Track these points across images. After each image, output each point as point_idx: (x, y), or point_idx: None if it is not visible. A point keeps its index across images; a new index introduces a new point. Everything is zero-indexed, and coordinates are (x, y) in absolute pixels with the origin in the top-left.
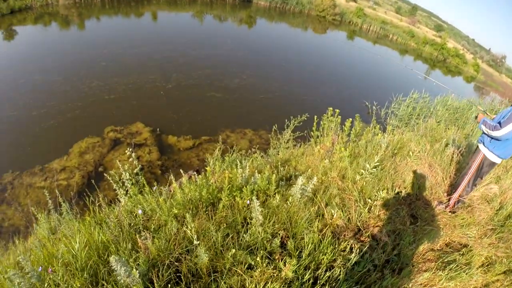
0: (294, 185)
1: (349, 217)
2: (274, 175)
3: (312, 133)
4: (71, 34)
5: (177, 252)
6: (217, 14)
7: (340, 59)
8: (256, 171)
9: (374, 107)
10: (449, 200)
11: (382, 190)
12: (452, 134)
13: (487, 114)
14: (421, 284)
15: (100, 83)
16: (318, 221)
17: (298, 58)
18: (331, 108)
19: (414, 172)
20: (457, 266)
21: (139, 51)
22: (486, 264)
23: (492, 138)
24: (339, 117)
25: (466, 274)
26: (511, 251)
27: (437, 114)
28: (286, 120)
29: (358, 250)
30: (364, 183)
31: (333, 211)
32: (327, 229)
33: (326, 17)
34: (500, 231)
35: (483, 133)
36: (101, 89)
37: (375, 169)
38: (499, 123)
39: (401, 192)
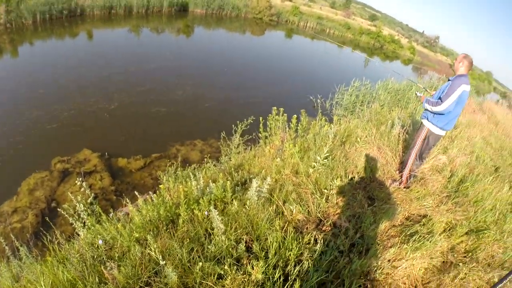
0: (250, 189)
1: (308, 210)
2: (228, 182)
3: (260, 134)
4: (4, 62)
5: (145, 276)
6: (154, 27)
7: (281, 58)
8: (210, 180)
9: (318, 100)
10: (401, 177)
11: (336, 179)
12: (396, 114)
13: (427, 92)
14: (389, 260)
15: (40, 113)
16: (279, 219)
17: (239, 62)
18: (275, 108)
19: (365, 156)
20: (420, 236)
21: (77, 74)
22: (448, 229)
23: (435, 113)
24: (285, 115)
25: (430, 242)
26: (468, 213)
27: (380, 99)
28: (234, 126)
29: (322, 240)
30: (318, 175)
31: (291, 207)
32: (288, 226)
33: (263, 19)
34: (455, 197)
35: (426, 109)
36: (42, 119)
37: (326, 160)
38: (440, 98)
39: (354, 177)
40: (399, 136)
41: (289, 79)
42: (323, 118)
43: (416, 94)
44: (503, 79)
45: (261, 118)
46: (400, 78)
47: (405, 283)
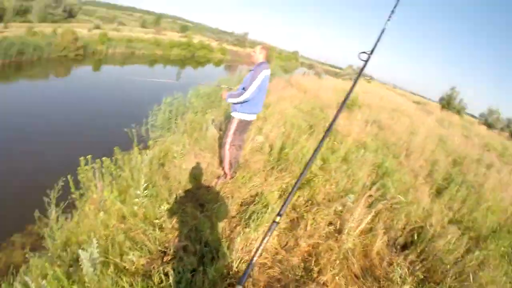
0: (82, 264)
1: (148, 249)
2: (57, 268)
3: (73, 195)
4: None
5: None
6: None
7: (90, 96)
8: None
9: (134, 130)
10: (224, 171)
11: (162, 204)
12: (210, 117)
13: (230, 89)
14: (241, 248)
15: None
16: (124, 276)
17: (40, 117)
18: (82, 158)
19: (185, 168)
20: (258, 213)
21: None
22: (282, 194)
23: (242, 103)
24: (97, 160)
25: (268, 214)
26: (294, 172)
27: (194, 106)
28: (45, 197)
29: (172, 272)
30: (144, 209)
31: (131, 257)
32: (136, 278)
33: (68, 55)
34: (279, 165)
35: (233, 103)
36: None
37: (147, 191)
38: (243, 88)
39: (179, 193)
40: (215, 136)
41: (99, 117)
42: (137, 147)
43: (221, 93)
44: (310, 54)
45: (69, 177)
46: (213, 80)
47: (266, 257)
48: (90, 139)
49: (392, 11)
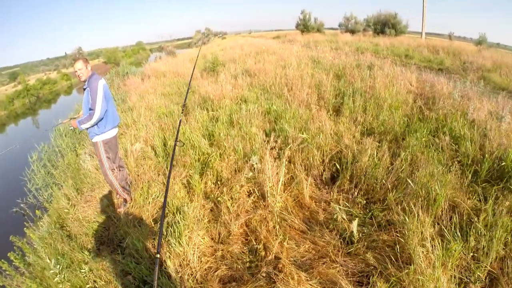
0: None
1: None
2: None
3: None
4: None
5: None
6: None
7: None
8: None
9: (22, 206)
10: (122, 198)
11: (81, 268)
12: (81, 152)
13: (75, 118)
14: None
15: None
16: None
17: None
18: None
19: (83, 218)
20: (173, 225)
21: None
22: (188, 190)
23: (98, 123)
24: None
25: (182, 220)
26: (186, 161)
27: (63, 148)
28: None
29: None
30: (69, 282)
31: None
32: None
33: None
34: (169, 161)
35: (88, 129)
36: None
37: (59, 265)
38: (90, 109)
39: (91, 247)
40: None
41: None
42: (28, 229)
43: (70, 128)
44: (154, 38)
45: None
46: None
47: (208, 260)
48: None
49: None
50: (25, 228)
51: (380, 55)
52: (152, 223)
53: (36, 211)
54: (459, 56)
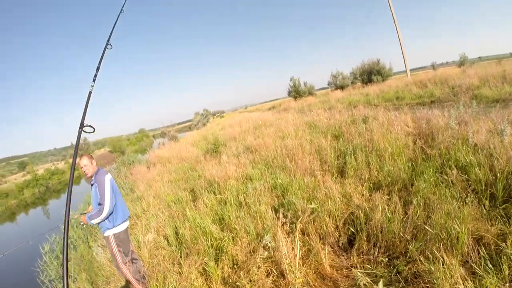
0: None
1: None
2: None
3: None
4: None
5: None
6: None
7: None
8: None
9: None
10: None
11: None
12: (94, 245)
13: (85, 213)
14: None
15: None
16: None
17: None
18: None
19: None
20: None
21: None
22: (206, 279)
23: (108, 217)
24: None
25: None
26: (200, 250)
27: (75, 239)
28: None
29: None
30: None
31: None
32: None
33: None
34: (183, 249)
35: (99, 223)
36: None
37: None
38: (99, 204)
39: None
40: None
41: None
42: None
43: (81, 224)
44: (156, 124)
45: None
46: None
47: None
48: None
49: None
50: None
51: (372, 104)
52: None
53: None
54: (447, 83)
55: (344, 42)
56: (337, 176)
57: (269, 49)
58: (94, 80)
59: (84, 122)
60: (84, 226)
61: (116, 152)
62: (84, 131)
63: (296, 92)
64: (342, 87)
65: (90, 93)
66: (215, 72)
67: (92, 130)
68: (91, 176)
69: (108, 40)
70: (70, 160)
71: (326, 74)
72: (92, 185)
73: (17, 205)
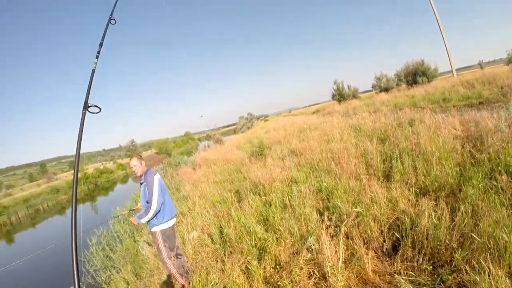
0: None
1: None
2: None
3: None
4: None
5: None
6: None
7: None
8: None
9: (81, 285)
10: (180, 284)
11: None
12: (140, 239)
13: (133, 210)
14: None
15: None
16: None
17: None
18: None
19: None
20: None
21: None
22: (248, 276)
23: (156, 215)
24: None
25: None
26: (243, 249)
27: (121, 234)
28: None
29: None
30: None
31: None
32: None
33: None
34: (227, 247)
35: (148, 222)
36: None
37: None
38: (147, 202)
39: None
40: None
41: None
42: None
43: (130, 220)
44: (201, 127)
45: None
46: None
47: None
48: None
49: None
50: None
51: (418, 107)
52: None
53: None
54: (495, 83)
55: (387, 43)
56: (383, 180)
57: (315, 52)
58: (97, 57)
59: (89, 102)
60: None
61: (162, 154)
62: (89, 111)
63: (340, 95)
64: (386, 89)
65: (93, 71)
66: (260, 75)
67: (98, 110)
68: (141, 176)
69: (111, 15)
70: (119, 161)
71: (370, 77)
72: (141, 184)
73: (66, 200)
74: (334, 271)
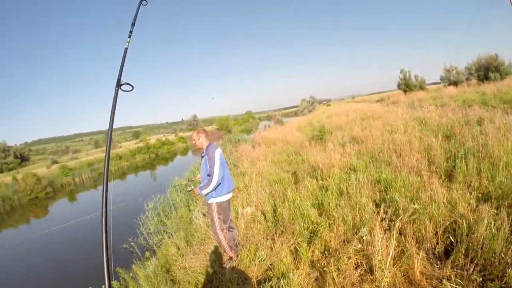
0: None
1: None
2: None
3: None
4: None
5: None
6: None
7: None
8: None
9: (132, 244)
10: (228, 256)
11: None
12: (195, 209)
13: (193, 181)
14: None
15: None
16: None
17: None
18: None
19: (189, 267)
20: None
21: None
22: (295, 258)
23: (215, 188)
24: None
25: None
26: (295, 230)
27: (177, 202)
28: None
29: None
30: None
31: None
32: None
33: (38, 196)
34: (279, 227)
35: (208, 193)
36: None
37: None
38: (208, 175)
39: None
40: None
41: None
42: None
43: (188, 190)
44: (263, 107)
45: None
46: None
47: None
48: (93, 264)
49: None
50: (133, 265)
51: (489, 105)
52: (256, 284)
53: (146, 252)
54: None
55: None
56: (444, 179)
57: (381, 36)
58: (129, 36)
59: (121, 80)
60: (191, 191)
61: (223, 130)
62: (122, 89)
63: (406, 85)
64: (455, 83)
65: (126, 49)
66: (323, 59)
67: (131, 88)
68: (203, 149)
69: None
70: (180, 134)
71: (438, 68)
72: (202, 157)
73: (128, 167)
74: (382, 265)
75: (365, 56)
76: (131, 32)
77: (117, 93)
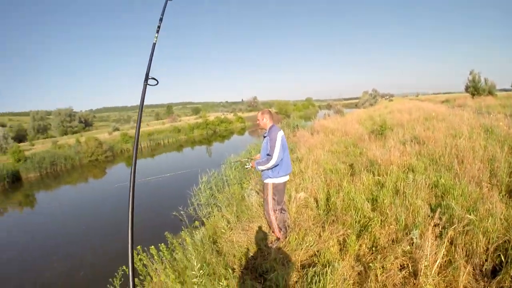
0: None
1: None
2: None
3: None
4: None
5: None
6: None
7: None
8: None
9: (182, 212)
10: (276, 236)
11: (220, 281)
12: (248, 186)
13: (251, 159)
14: None
15: None
16: None
17: (94, 214)
18: (139, 247)
19: (236, 241)
20: (319, 276)
21: None
22: (341, 248)
23: (273, 168)
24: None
25: (330, 274)
26: (346, 221)
27: (230, 179)
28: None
29: None
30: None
31: None
32: None
33: (98, 159)
34: (328, 216)
35: (263, 171)
36: None
37: (201, 270)
38: (268, 154)
39: (236, 267)
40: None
41: (148, 207)
42: (184, 231)
43: (246, 167)
44: (323, 96)
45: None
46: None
47: None
48: (143, 226)
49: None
50: (182, 232)
51: None
52: (300, 268)
53: (196, 222)
54: None
55: None
56: (505, 194)
57: (451, 36)
58: (157, 31)
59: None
60: (248, 168)
61: (282, 114)
62: (148, 84)
63: (474, 89)
64: None
65: (154, 44)
66: (388, 51)
67: (156, 82)
68: (263, 129)
69: None
70: (239, 114)
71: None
72: (264, 137)
73: (185, 140)
74: (427, 271)
75: (435, 53)
76: (159, 27)
77: (146, 88)
